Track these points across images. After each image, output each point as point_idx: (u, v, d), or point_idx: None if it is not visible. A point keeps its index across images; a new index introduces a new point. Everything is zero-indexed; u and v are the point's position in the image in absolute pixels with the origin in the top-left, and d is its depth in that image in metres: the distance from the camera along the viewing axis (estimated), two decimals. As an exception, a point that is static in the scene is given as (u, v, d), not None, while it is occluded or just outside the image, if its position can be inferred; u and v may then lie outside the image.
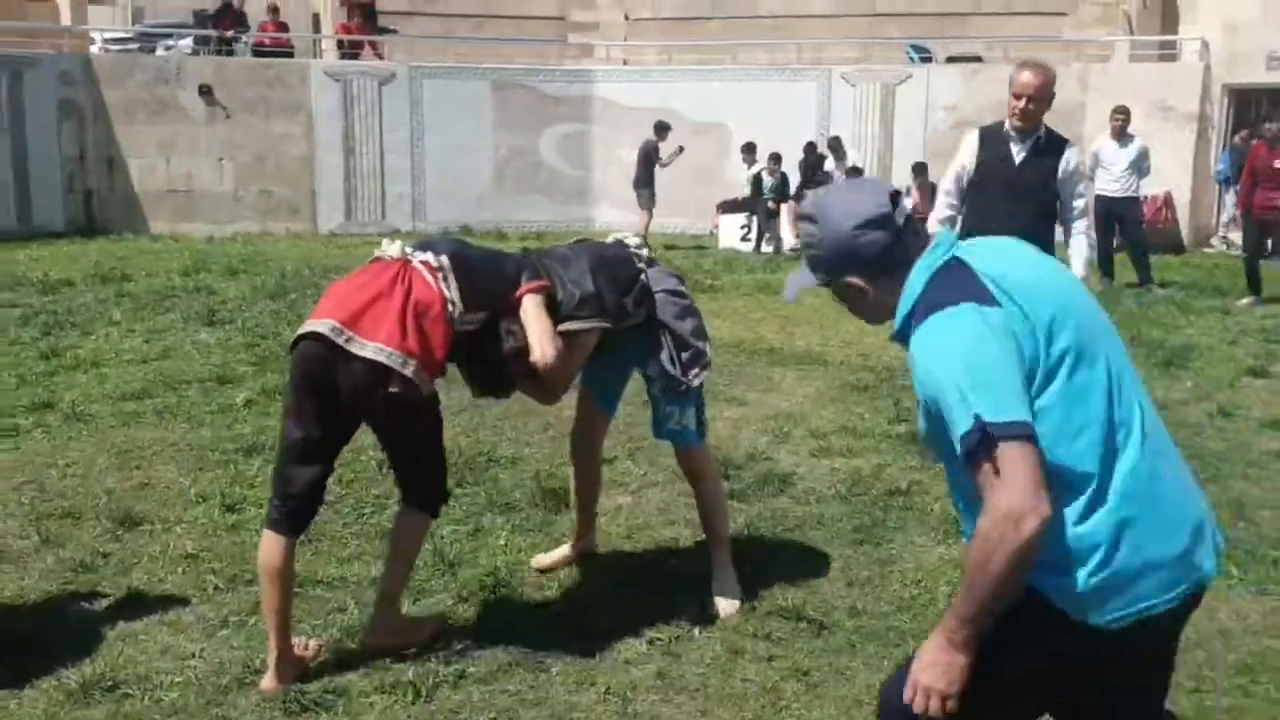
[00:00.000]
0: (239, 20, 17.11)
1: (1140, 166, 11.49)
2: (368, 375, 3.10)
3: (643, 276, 3.70)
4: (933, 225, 5.40)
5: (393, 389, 3.11)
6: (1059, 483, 1.90)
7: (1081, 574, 1.94)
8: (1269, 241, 10.99)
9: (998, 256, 2.16)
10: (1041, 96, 5.18)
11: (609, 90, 16.87)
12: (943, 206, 5.55)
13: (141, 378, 6.86)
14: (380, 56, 17.41)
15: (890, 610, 3.79)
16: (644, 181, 14.71)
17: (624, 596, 3.84)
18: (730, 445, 5.66)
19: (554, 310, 3.44)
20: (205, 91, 15.59)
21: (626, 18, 20.84)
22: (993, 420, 1.85)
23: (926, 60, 17.22)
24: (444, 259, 3.32)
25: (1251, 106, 18.72)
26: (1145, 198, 14.51)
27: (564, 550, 4.14)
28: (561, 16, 20.57)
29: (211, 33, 16.85)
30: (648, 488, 5.02)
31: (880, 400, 6.52)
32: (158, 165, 15.68)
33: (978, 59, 17.43)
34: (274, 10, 17.32)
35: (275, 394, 6.41)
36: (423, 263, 3.29)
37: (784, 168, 15.07)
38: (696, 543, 4.29)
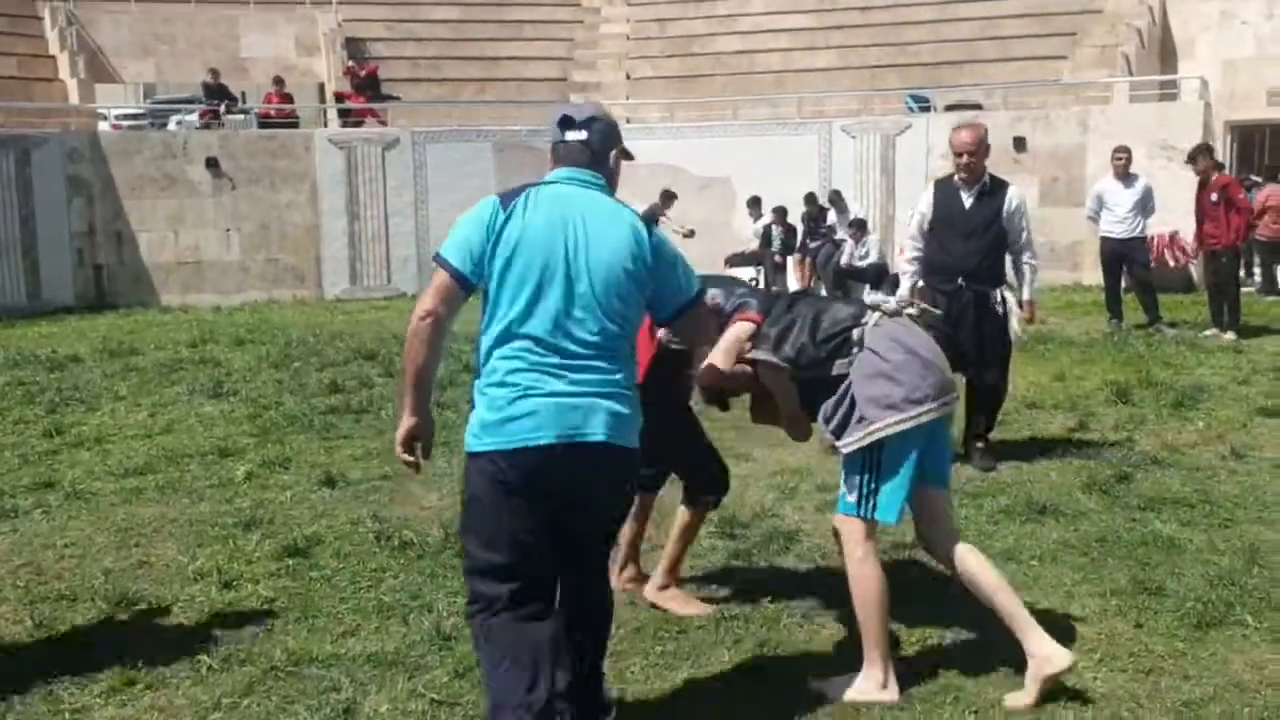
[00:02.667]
0: (227, 95, 17.37)
1: (1145, 206, 11.39)
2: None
3: (857, 330, 3.63)
4: (903, 266, 6.69)
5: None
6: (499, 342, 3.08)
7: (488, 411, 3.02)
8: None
9: (555, 204, 3.11)
10: (978, 150, 6.18)
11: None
12: (909, 249, 6.56)
13: (145, 453, 6.84)
14: (384, 123, 17.59)
15: (898, 670, 3.69)
16: None
17: (621, 667, 3.75)
18: (737, 503, 5.55)
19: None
20: (211, 164, 15.76)
21: (628, 77, 21.05)
22: (440, 254, 3.16)
23: (925, 109, 17.30)
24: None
25: (1254, 142, 18.81)
26: (1151, 238, 14.51)
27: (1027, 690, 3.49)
28: (563, 78, 20.78)
29: (215, 105, 17.07)
30: (652, 550, 4.94)
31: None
32: (166, 238, 15.83)
33: (977, 106, 17.50)
34: (279, 82, 17.58)
35: (275, 466, 6.40)
36: None
37: (789, 220, 15.11)
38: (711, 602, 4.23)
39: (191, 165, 15.82)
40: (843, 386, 3.57)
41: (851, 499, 3.53)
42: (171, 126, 17.22)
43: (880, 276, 14.19)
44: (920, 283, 6.41)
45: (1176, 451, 6.41)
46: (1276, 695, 3.49)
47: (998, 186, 6.28)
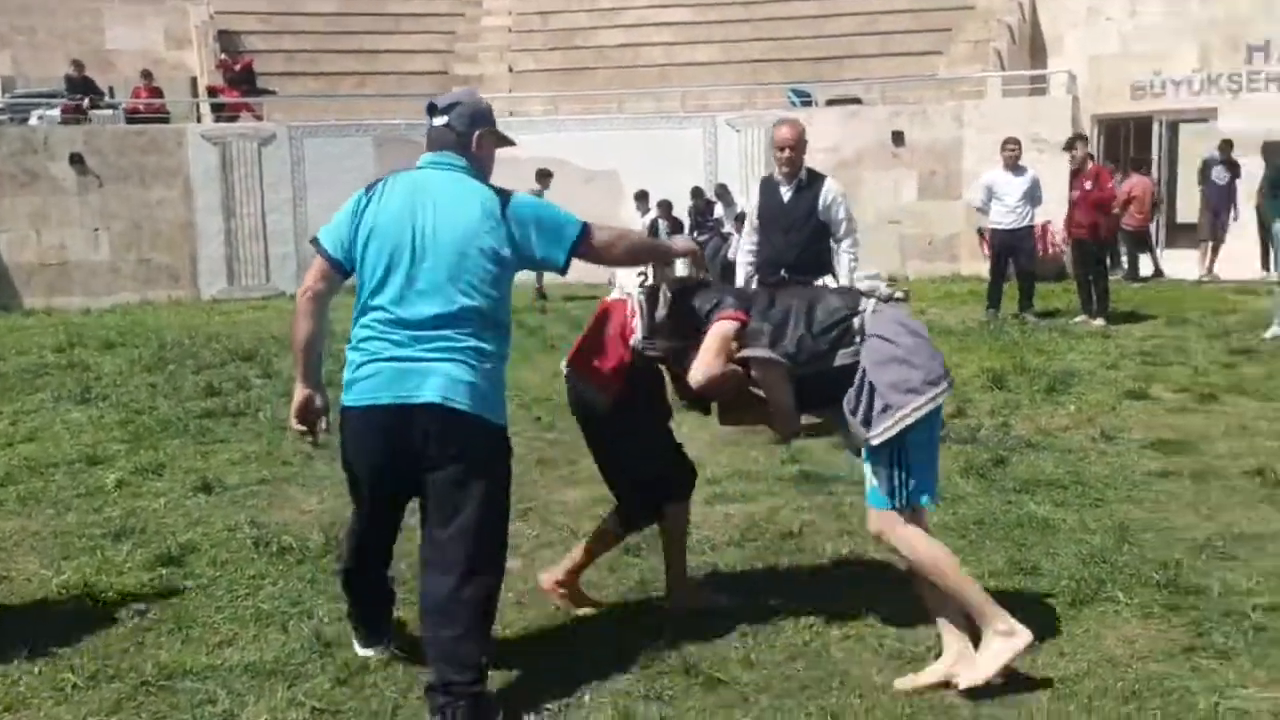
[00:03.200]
0: (91, 89, 16.70)
1: (1034, 196, 11.62)
2: (571, 391, 4.00)
3: (856, 319, 3.56)
4: (740, 260, 6.90)
5: (585, 396, 3.90)
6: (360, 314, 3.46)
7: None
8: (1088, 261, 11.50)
9: (409, 189, 3.42)
10: (797, 145, 6.41)
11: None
12: (746, 244, 6.87)
13: (4, 463, 6.51)
14: (259, 118, 17.11)
15: (784, 659, 3.70)
16: None
17: (514, 665, 3.69)
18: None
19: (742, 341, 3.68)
20: (76, 160, 15.13)
21: (511, 70, 20.88)
22: (316, 237, 3.59)
23: (807, 104, 17.54)
24: (632, 291, 3.83)
25: (1119, 135, 19.55)
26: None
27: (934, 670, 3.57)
28: (444, 71, 20.51)
29: (78, 99, 16.39)
30: (540, 549, 4.89)
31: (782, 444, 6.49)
32: (28, 237, 15.14)
33: (857, 100, 17.83)
34: (147, 75, 16.97)
35: (148, 472, 6.17)
36: (631, 297, 3.85)
37: (675, 214, 15.16)
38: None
39: (54, 161, 15.17)
40: (858, 376, 3.47)
41: (884, 491, 3.47)
42: (32, 121, 16.47)
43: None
44: (755, 276, 6.62)
45: (1049, 435, 6.61)
46: (1146, 668, 3.60)
47: (814, 180, 6.49)
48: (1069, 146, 11.89)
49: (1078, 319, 11.17)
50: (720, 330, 3.64)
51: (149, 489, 5.88)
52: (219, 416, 7.62)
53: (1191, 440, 6.35)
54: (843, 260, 6.64)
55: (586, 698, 3.48)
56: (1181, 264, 15.59)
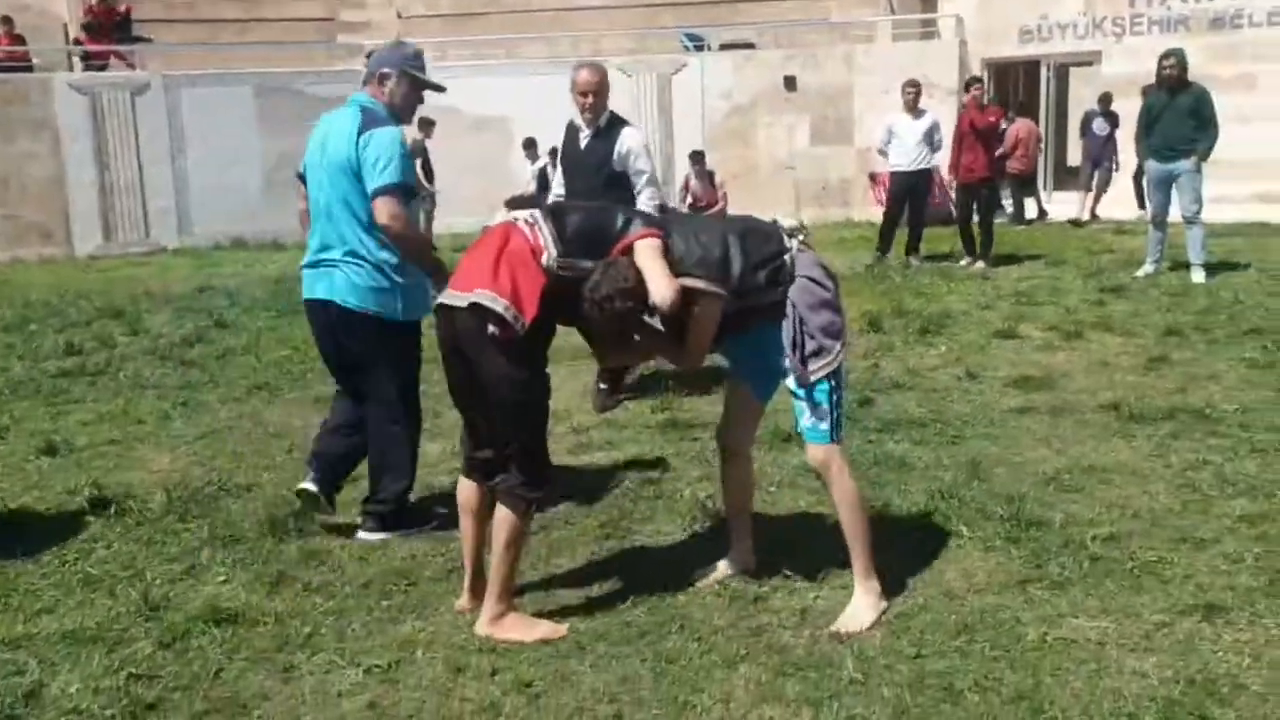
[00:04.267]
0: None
1: (932, 139, 11.59)
2: (472, 321, 3.34)
3: (787, 256, 3.51)
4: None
5: (492, 329, 3.30)
6: None
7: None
8: (974, 204, 11.48)
9: (321, 124, 4.28)
10: (600, 90, 5.99)
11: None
12: (555, 190, 6.54)
13: None
14: (132, 67, 16.41)
15: (626, 606, 3.66)
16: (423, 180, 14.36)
17: (341, 625, 3.60)
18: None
19: (671, 264, 3.41)
20: (-66, 112, 14.38)
21: (400, 15, 20.35)
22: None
23: (700, 48, 17.41)
24: (535, 212, 3.50)
25: (1009, 78, 19.78)
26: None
27: (725, 567, 3.89)
28: (330, 18, 19.91)
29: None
30: (391, 502, 4.78)
31: (647, 391, 6.45)
32: (-114, 194, 14.39)
33: (750, 45, 17.74)
34: (7, 21, 16.09)
35: (-10, 436, 5.90)
36: (523, 220, 3.48)
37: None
38: (417, 557, 4.11)
39: (-90, 114, 14.40)
40: (792, 317, 3.47)
41: (825, 427, 3.55)
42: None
43: (660, 216, 14.22)
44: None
45: (918, 375, 6.67)
46: (982, 601, 3.64)
47: (613, 126, 6.03)
48: (968, 87, 11.94)
49: (962, 262, 11.30)
50: (652, 247, 3.39)
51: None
52: (76, 376, 7.33)
53: (1053, 377, 6.46)
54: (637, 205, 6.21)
55: (419, 654, 3.40)
56: (1067, 206, 15.86)
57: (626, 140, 5.99)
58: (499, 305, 3.30)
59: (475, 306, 3.32)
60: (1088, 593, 3.67)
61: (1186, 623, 3.45)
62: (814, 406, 3.53)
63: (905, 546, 4.04)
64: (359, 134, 4.07)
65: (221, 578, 3.97)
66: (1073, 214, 15.21)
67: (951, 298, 9.32)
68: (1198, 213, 9.60)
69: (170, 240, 15.70)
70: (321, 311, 4.27)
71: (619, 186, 5.97)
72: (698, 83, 16.54)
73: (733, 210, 13.14)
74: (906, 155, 11.55)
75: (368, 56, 4.35)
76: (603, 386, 6.28)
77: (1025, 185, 15.47)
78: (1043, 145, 16.26)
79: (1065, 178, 18.53)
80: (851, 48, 16.74)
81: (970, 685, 3.13)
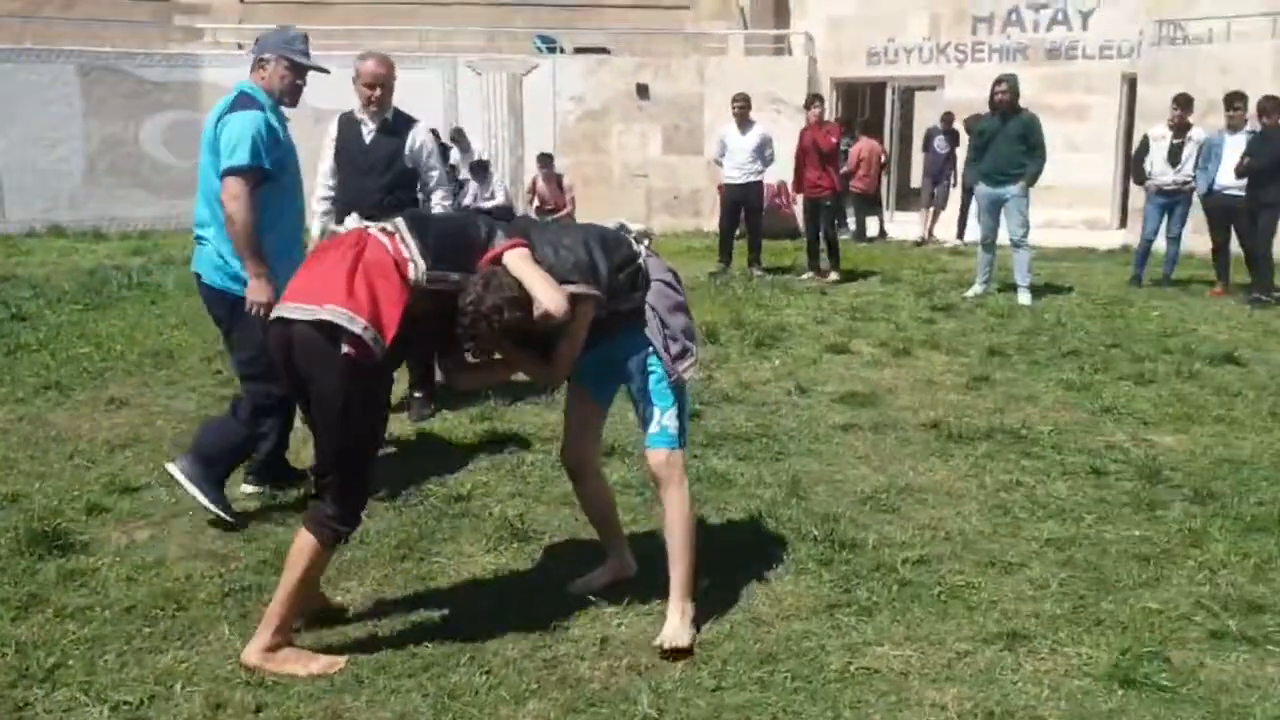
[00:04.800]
0: None
1: (763, 153, 11.67)
2: (320, 339, 3.03)
3: (641, 260, 3.45)
4: (316, 210, 5.77)
5: (346, 349, 3.00)
6: None
7: None
8: (818, 219, 11.62)
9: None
10: (388, 83, 5.60)
11: (220, 76, 15.60)
12: (321, 189, 5.79)
13: None
14: (-60, 37, 15.28)
15: (413, 636, 3.41)
16: None
17: (93, 655, 3.25)
18: (295, 460, 5.13)
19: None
20: None
21: (242, 0, 19.52)
22: None
23: (553, 50, 17.19)
24: (397, 220, 3.24)
25: (857, 99, 20.19)
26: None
27: (600, 575, 3.82)
28: (166, -2, 18.95)
29: None
30: (173, 517, 4.41)
31: (473, 400, 6.17)
32: None
33: (605, 50, 17.60)
34: None
35: None
36: (381, 229, 3.20)
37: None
38: (193, 578, 3.77)
39: None
40: (653, 320, 3.43)
41: (674, 431, 3.49)
42: None
43: (508, 219, 13.95)
44: (332, 226, 5.67)
45: (749, 388, 6.59)
46: (789, 627, 3.52)
47: (403, 122, 5.68)
48: (808, 105, 12.04)
49: (805, 275, 11.38)
50: (523, 256, 3.21)
51: None
52: None
53: (879, 393, 6.46)
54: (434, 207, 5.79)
55: (177, 687, 3.08)
56: (908, 226, 16.23)
57: (420, 137, 5.64)
58: (357, 325, 3.00)
59: (325, 324, 3.01)
60: (894, 619, 3.59)
61: (989, 651, 3.39)
62: (664, 411, 3.47)
63: (717, 568, 3.89)
64: (221, 115, 4.30)
65: (-48, 602, 3.56)
66: (914, 234, 15.54)
67: (790, 311, 9.33)
68: (1024, 236, 9.86)
69: (-12, 223, 14.63)
70: (198, 283, 4.56)
71: (406, 186, 5.64)
72: (549, 85, 16.32)
73: (581, 215, 12.96)
74: (738, 167, 11.64)
75: (256, 43, 4.51)
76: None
77: (868, 204, 15.75)
78: (886, 165, 16.59)
79: (908, 198, 19.00)
80: (704, 59, 16.76)
81: (767, 720, 2.99)
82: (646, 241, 3.60)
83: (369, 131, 5.62)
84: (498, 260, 3.20)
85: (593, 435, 3.80)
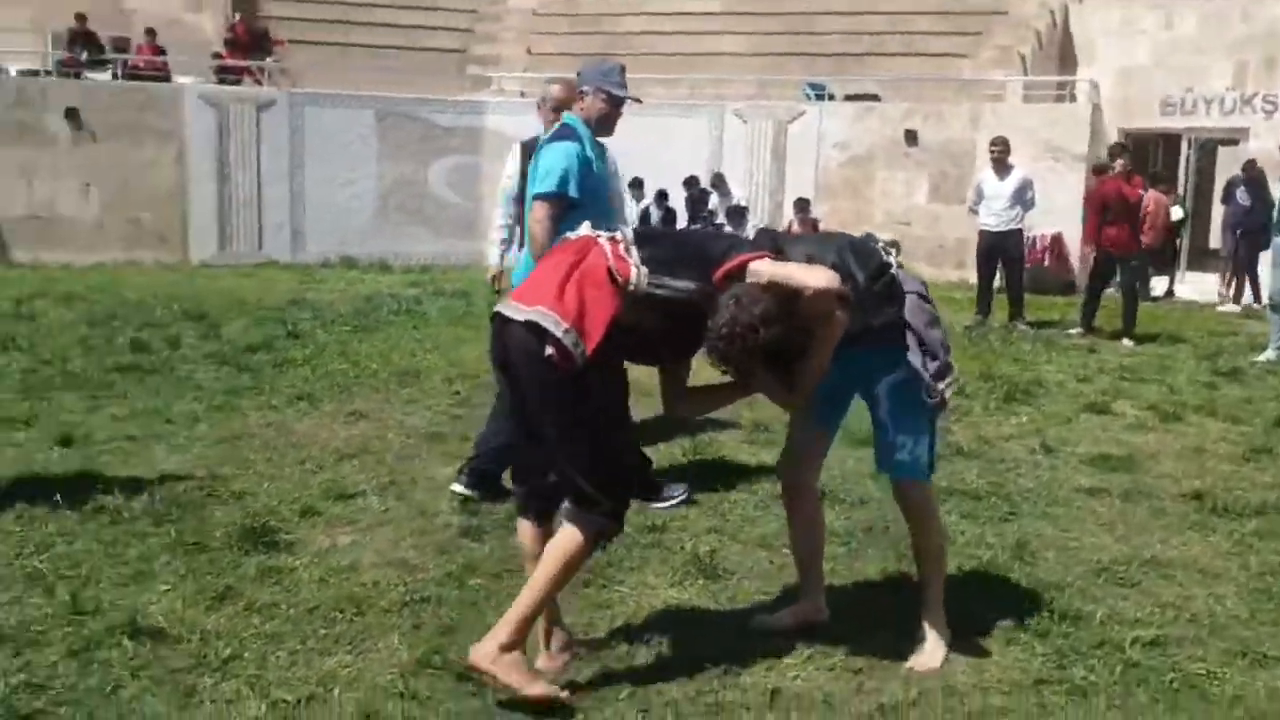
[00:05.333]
0: (92, 43, 16.49)
1: (1023, 197, 11.08)
2: (530, 339, 2.98)
3: (894, 270, 3.28)
4: (493, 239, 5.71)
5: (549, 352, 2.93)
6: None
7: None
8: (1114, 276, 10.66)
9: None
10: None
11: (501, 122, 16.43)
12: (500, 217, 5.66)
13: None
14: (259, 83, 16.86)
15: (584, 663, 3.28)
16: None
17: (267, 651, 3.30)
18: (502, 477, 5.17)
19: None
20: (71, 115, 14.93)
21: (529, 51, 20.53)
22: None
23: (821, 98, 17.01)
24: (625, 230, 3.18)
25: (1147, 150, 18.85)
26: (1033, 237, 14.34)
27: (790, 614, 3.60)
28: (462, 50, 20.18)
29: (77, 55, 16.21)
30: (378, 526, 4.50)
31: (686, 428, 6.02)
32: (18, 189, 14.96)
33: (875, 97, 17.28)
34: (150, 33, 16.72)
35: (16, 423, 5.86)
36: (608, 239, 3.12)
37: (670, 203, 14.75)
38: (380, 584, 3.79)
39: (49, 114, 14.97)
40: (914, 337, 3.23)
41: (925, 461, 3.35)
42: (12, 72, 16.22)
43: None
44: (510, 253, 5.67)
45: (988, 444, 6.12)
46: (985, 700, 3.14)
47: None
48: (1113, 156, 11.25)
49: (1073, 331, 10.55)
50: (769, 262, 3.06)
51: (4, 440, 5.55)
52: (129, 372, 7.30)
53: (1137, 458, 5.83)
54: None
55: (336, 691, 3.07)
56: (1200, 287, 14.92)
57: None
58: (559, 329, 2.93)
59: (533, 325, 2.97)
60: (1112, 704, 3.14)
61: (1223, 754, 2.90)
62: (916, 437, 3.29)
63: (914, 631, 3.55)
64: (542, 147, 4.61)
65: (166, 587, 3.73)
66: (1208, 295, 14.23)
67: (1049, 367, 8.68)
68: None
69: (283, 255, 15.93)
70: None
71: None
72: (815, 131, 16.14)
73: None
74: (995, 214, 11.04)
75: (549, 84, 4.96)
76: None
77: (1154, 260, 14.56)
78: (1183, 222, 15.37)
79: (1203, 259, 17.48)
80: (978, 105, 16.10)
81: (943, 801, 2.65)
82: (895, 252, 3.38)
83: None
84: (739, 272, 3.02)
85: (817, 459, 3.61)
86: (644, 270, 3.00)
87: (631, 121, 17.57)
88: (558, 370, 2.94)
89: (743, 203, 15.06)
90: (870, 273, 3.20)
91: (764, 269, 3.02)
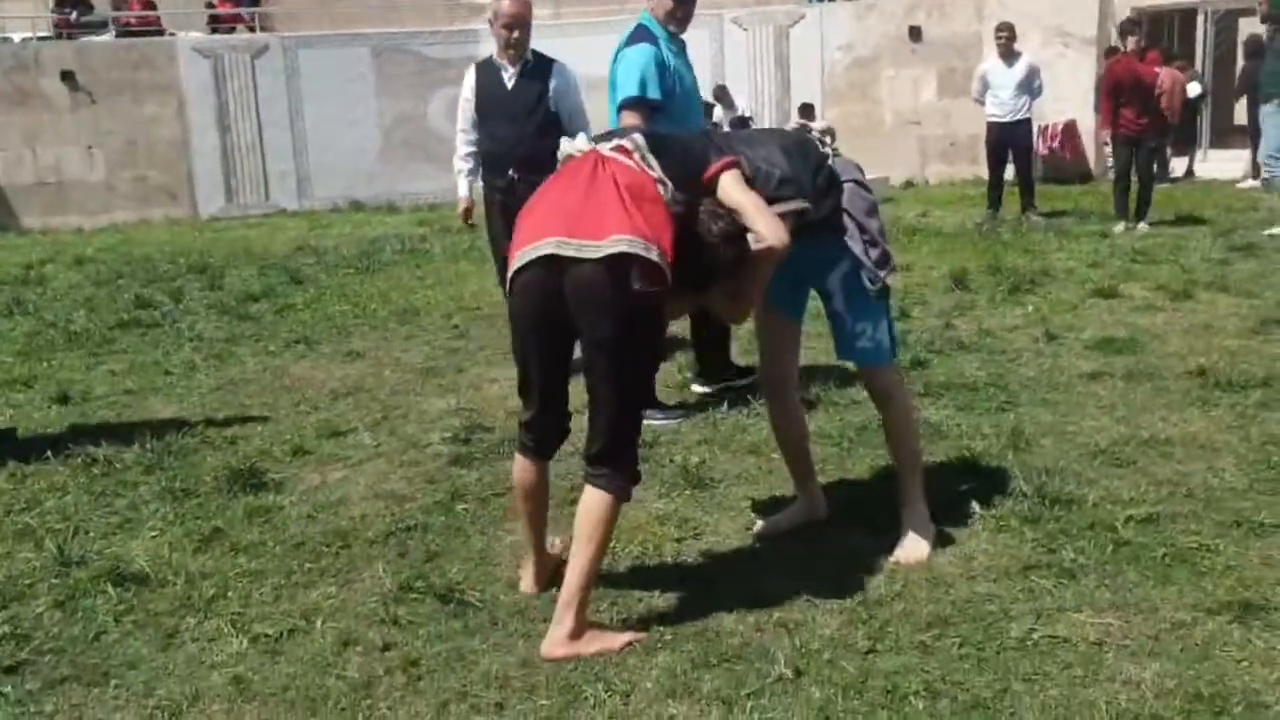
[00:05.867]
0: (79, 3, 16.34)
1: (1030, 86, 10.78)
2: (608, 276, 2.71)
3: (829, 161, 3.29)
4: (457, 165, 5.69)
5: (636, 285, 2.71)
6: None
7: None
8: (1135, 159, 10.09)
9: None
10: (525, 23, 5.35)
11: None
12: (463, 144, 5.63)
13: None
14: (252, 29, 16.68)
15: (558, 576, 3.26)
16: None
17: (251, 588, 3.32)
18: (495, 406, 5.15)
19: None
20: (67, 77, 14.86)
21: (522, -24, 20.12)
22: None
23: (823, 0, 16.61)
24: (637, 138, 2.96)
25: (1164, 29, 18.28)
26: (1044, 125, 14.01)
27: (786, 516, 3.62)
28: (452, -22, 19.83)
29: (66, 14, 16.09)
30: (369, 460, 4.49)
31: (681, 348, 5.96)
32: (23, 156, 14.97)
33: (874, -6, 16.84)
34: (139, -13, 16.58)
35: (17, 384, 5.90)
36: (616, 149, 2.92)
37: (674, 119, 14.53)
38: (368, 517, 3.79)
39: (45, 79, 14.91)
40: (855, 224, 3.23)
41: (886, 344, 3.37)
42: (16, 39, 16.20)
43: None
44: (479, 181, 5.61)
45: (990, 335, 6.01)
46: (970, 588, 3.10)
47: (543, 64, 5.44)
48: (1124, 33, 10.81)
49: (1118, 228, 9.83)
50: (737, 178, 2.98)
51: (2, 401, 5.59)
52: (131, 328, 7.32)
53: (1142, 339, 5.71)
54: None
55: (318, 622, 3.08)
56: (1225, 164, 14.55)
57: (564, 77, 5.42)
58: (653, 253, 2.72)
59: (615, 257, 2.70)
60: (1101, 583, 3.09)
61: (1211, 623, 2.85)
62: (874, 323, 3.31)
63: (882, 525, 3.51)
64: (618, 52, 4.55)
65: (154, 533, 3.75)
66: (1233, 172, 13.85)
67: (1059, 255, 8.51)
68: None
69: (290, 203, 15.89)
70: None
71: (550, 131, 5.04)
72: (816, 35, 15.78)
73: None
74: (1002, 105, 10.76)
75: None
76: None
77: (1172, 140, 14.19)
78: (1203, 98, 14.93)
79: (1227, 135, 17.04)
80: (983, -6, 15.66)
81: (919, 688, 2.62)
82: (830, 140, 3.33)
83: (510, 76, 5.38)
84: (713, 180, 2.97)
85: (792, 352, 3.58)
86: (670, 187, 2.85)
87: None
88: (648, 298, 2.75)
89: (746, 113, 14.80)
90: (812, 168, 3.17)
91: (731, 192, 2.95)
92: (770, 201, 3.00)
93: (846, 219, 3.23)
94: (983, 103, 11.00)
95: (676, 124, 4.37)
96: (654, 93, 4.45)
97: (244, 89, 15.59)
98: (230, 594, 3.27)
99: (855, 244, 3.22)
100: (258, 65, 15.64)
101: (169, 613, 3.17)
